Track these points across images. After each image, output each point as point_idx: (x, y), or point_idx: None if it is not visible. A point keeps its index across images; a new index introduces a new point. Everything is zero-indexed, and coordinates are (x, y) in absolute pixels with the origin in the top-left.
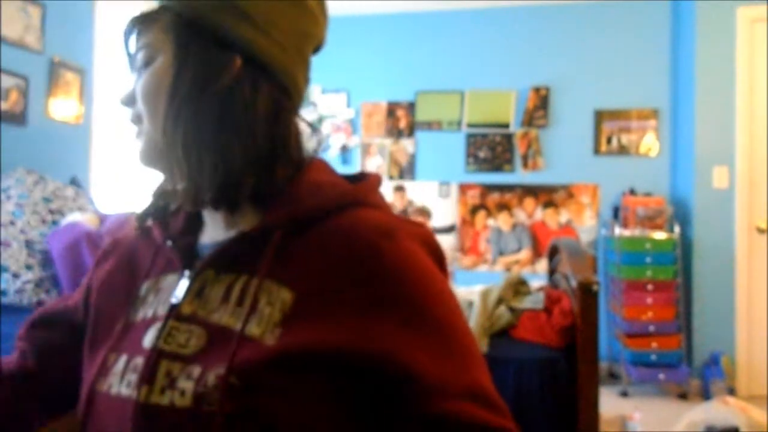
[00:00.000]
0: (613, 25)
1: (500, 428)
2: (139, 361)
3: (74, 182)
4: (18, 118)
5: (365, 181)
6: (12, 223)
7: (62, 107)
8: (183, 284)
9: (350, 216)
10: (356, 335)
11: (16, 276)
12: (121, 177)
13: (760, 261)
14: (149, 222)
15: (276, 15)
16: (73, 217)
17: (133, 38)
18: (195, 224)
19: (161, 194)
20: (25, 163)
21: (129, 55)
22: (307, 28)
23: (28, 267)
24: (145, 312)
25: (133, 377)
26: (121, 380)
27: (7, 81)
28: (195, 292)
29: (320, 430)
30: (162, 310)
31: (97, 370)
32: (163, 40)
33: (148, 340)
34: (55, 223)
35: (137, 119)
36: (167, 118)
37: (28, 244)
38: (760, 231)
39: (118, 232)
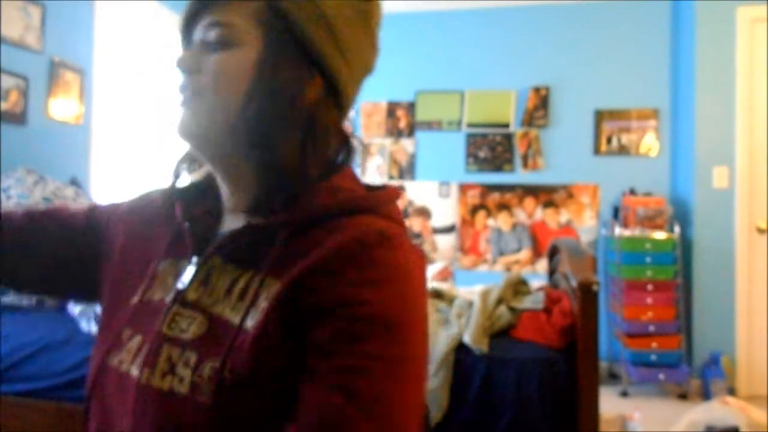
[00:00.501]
0: (613, 25)
1: None
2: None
3: (74, 182)
4: (18, 118)
5: (381, 191)
6: None
7: (62, 107)
8: (190, 270)
9: (355, 219)
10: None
11: None
12: (121, 177)
13: (760, 261)
14: (173, 199)
15: (357, 44)
16: None
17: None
18: (217, 211)
19: (185, 173)
20: (25, 163)
21: (191, 15)
22: (371, 64)
23: None
24: (164, 293)
25: (141, 359)
26: (133, 359)
27: (7, 81)
28: (201, 280)
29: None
30: (170, 294)
31: (111, 342)
32: (248, 30)
33: (160, 321)
34: None
35: (196, 91)
36: (241, 112)
37: None
38: (760, 231)
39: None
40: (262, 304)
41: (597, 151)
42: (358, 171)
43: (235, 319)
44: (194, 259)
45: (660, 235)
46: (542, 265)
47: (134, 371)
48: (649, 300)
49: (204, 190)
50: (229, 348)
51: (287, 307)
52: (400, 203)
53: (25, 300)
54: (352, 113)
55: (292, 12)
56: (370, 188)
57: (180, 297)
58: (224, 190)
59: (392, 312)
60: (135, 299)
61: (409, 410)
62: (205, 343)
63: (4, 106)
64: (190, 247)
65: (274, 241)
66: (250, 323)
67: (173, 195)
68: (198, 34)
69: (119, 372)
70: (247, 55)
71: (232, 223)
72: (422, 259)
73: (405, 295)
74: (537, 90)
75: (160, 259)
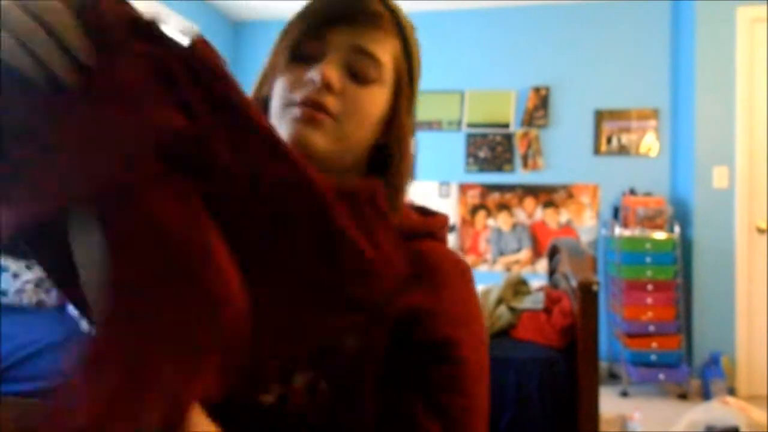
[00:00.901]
0: (613, 25)
1: None
2: None
3: None
4: None
5: (437, 219)
6: None
7: None
8: None
9: (430, 243)
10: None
11: (16, 276)
12: None
13: (760, 261)
14: None
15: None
16: None
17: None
18: None
19: None
20: None
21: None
22: None
23: (28, 267)
24: None
25: None
26: None
27: None
28: None
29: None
30: None
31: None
32: (389, 68)
33: None
34: None
35: (334, 115)
36: (365, 142)
37: None
38: (760, 231)
39: None
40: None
41: (597, 151)
42: None
43: None
44: None
45: (660, 235)
46: (542, 265)
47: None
48: (649, 300)
49: None
50: (323, 359)
51: (386, 326)
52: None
53: (25, 300)
54: None
55: (415, 54)
56: (421, 210)
57: None
58: None
59: (480, 354)
60: None
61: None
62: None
63: None
64: None
65: None
66: (348, 338)
67: None
68: (339, 51)
69: None
70: (385, 94)
71: None
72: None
73: (480, 331)
74: (537, 90)
75: None
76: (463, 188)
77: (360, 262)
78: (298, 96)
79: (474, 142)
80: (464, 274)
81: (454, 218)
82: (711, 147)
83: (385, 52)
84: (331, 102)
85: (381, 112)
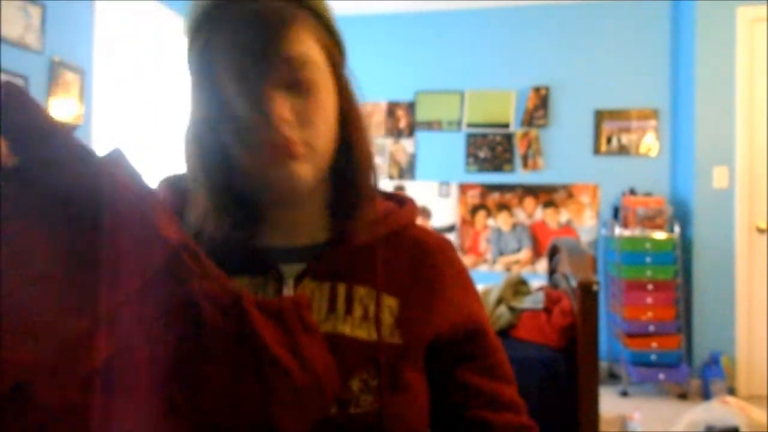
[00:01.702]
0: (613, 25)
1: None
2: None
3: None
4: None
5: (411, 206)
6: None
7: (62, 107)
8: (287, 291)
9: (412, 231)
10: (459, 309)
11: None
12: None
13: (760, 261)
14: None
15: None
16: None
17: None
18: (243, 225)
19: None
20: None
21: (255, 53)
22: None
23: None
24: None
25: None
26: None
27: None
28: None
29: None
30: None
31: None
32: (322, 59)
33: None
34: None
35: (308, 143)
36: (348, 138)
37: None
38: (760, 231)
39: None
40: (388, 319)
41: (597, 151)
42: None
43: (363, 335)
44: (290, 281)
45: (660, 235)
46: (542, 265)
47: None
48: (649, 300)
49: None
50: (375, 358)
51: (411, 320)
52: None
53: None
54: None
55: (330, 18)
56: (392, 197)
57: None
58: (276, 217)
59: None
60: None
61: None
62: (337, 364)
63: None
64: (249, 266)
65: (361, 253)
66: (374, 334)
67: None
68: (269, 69)
69: None
70: (329, 87)
71: (280, 234)
72: None
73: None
74: (537, 90)
75: None
76: (463, 188)
77: (287, 380)
78: (257, 136)
79: (474, 142)
80: (452, 250)
81: (454, 218)
82: (711, 147)
83: (306, 40)
84: (295, 133)
85: (333, 103)
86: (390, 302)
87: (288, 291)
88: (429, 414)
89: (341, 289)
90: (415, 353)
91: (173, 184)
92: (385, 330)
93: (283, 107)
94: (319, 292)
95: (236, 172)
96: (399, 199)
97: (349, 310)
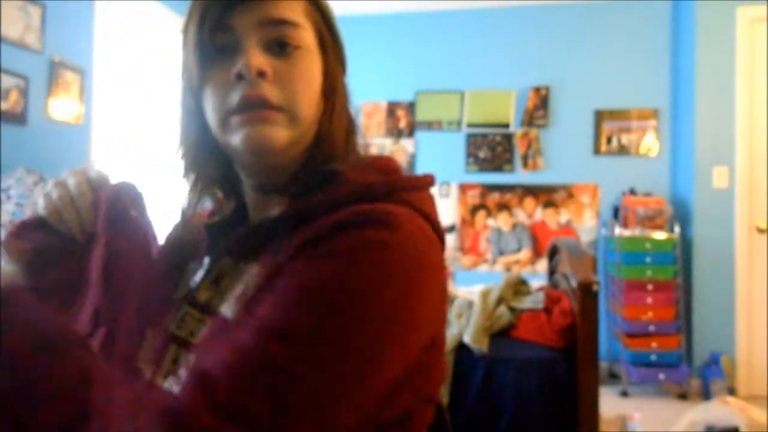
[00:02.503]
0: (613, 25)
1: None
2: (158, 338)
3: None
4: (18, 118)
5: (401, 177)
6: (12, 223)
7: (62, 107)
8: (200, 271)
9: (362, 206)
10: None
11: None
12: (121, 177)
13: (760, 261)
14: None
15: None
16: None
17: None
18: (242, 212)
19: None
20: (25, 163)
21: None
22: None
23: None
24: (182, 293)
25: (151, 354)
26: (144, 355)
27: (7, 81)
28: (212, 280)
29: None
30: (183, 293)
31: (138, 345)
32: (304, 26)
33: (171, 320)
34: None
35: (280, 105)
36: (316, 116)
37: None
38: (760, 231)
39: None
40: (248, 290)
41: (597, 151)
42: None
43: (228, 312)
44: (206, 260)
45: (660, 235)
46: (542, 265)
47: (145, 368)
48: (649, 300)
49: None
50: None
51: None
52: (432, 191)
53: None
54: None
55: (323, 3)
56: (394, 174)
57: (190, 297)
58: (251, 195)
59: (335, 284)
60: (164, 303)
61: (327, 397)
62: (207, 345)
63: (4, 106)
64: (204, 250)
65: (285, 231)
66: (230, 311)
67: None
68: (251, 31)
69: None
70: (314, 56)
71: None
72: (432, 247)
73: (371, 271)
74: (537, 90)
75: (189, 262)
76: (463, 188)
77: None
78: (234, 99)
79: (474, 142)
80: (373, 222)
81: (454, 218)
82: (711, 147)
83: (296, 12)
84: (270, 92)
85: (318, 77)
86: (257, 270)
87: (201, 270)
88: None
89: (255, 269)
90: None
91: None
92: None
93: (262, 63)
94: (235, 272)
95: (218, 149)
96: (386, 173)
97: (231, 288)
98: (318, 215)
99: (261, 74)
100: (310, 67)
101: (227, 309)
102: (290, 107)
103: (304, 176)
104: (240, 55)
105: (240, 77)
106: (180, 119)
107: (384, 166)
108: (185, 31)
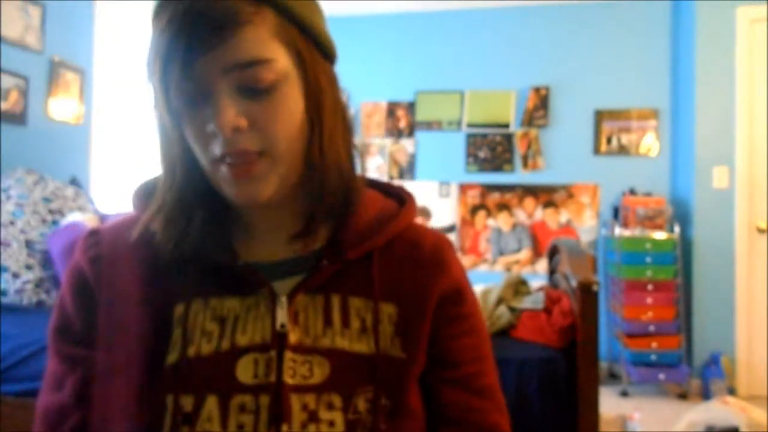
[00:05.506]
0: (613, 25)
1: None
2: (246, 399)
3: (74, 182)
4: (18, 118)
5: (411, 205)
6: (12, 223)
7: (62, 107)
8: (281, 311)
9: (408, 233)
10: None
11: (16, 276)
12: (121, 177)
13: (760, 261)
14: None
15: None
16: (73, 217)
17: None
18: (217, 240)
19: (182, 209)
20: (25, 163)
21: (186, 57)
22: None
23: (28, 267)
24: (214, 344)
25: (246, 418)
26: (223, 424)
27: (7, 81)
28: (292, 318)
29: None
30: (244, 341)
31: (171, 417)
32: (281, 56)
33: (247, 374)
34: (55, 223)
35: (266, 158)
36: (314, 143)
37: (28, 244)
38: (760, 231)
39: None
40: (387, 329)
41: (597, 151)
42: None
43: (364, 348)
44: (282, 299)
45: (660, 235)
46: (542, 265)
47: None
48: (649, 300)
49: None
50: (376, 375)
51: (410, 327)
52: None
53: (25, 300)
54: (351, 113)
55: (297, 11)
56: (392, 193)
57: (284, 341)
58: (253, 219)
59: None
60: (169, 363)
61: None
62: (340, 381)
63: (4, 106)
64: (238, 285)
65: (356, 263)
66: (386, 348)
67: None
68: (219, 79)
69: None
70: (293, 87)
71: (266, 247)
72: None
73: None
74: (537, 90)
75: (169, 307)
76: (463, 188)
77: None
78: (216, 150)
79: (474, 142)
80: (450, 248)
81: (454, 218)
82: (711, 147)
83: (264, 41)
84: (249, 142)
85: (299, 103)
86: (389, 309)
87: (282, 309)
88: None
89: (336, 301)
90: (415, 365)
91: (143, 194)
92: (385, 341)
93: (234, 116)
94: (312, 306)
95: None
96: (399, 197)
97: (346, 323)
98: (367, 239)
99: (236, 130)
100: (287, 99)
101: (357, 345)
102: (271, 149)
103: (327, 201)
104: (212, 104)
105: (216, 133)
106: (159, 141)
107: (399, 191)
108: (151, 65)
